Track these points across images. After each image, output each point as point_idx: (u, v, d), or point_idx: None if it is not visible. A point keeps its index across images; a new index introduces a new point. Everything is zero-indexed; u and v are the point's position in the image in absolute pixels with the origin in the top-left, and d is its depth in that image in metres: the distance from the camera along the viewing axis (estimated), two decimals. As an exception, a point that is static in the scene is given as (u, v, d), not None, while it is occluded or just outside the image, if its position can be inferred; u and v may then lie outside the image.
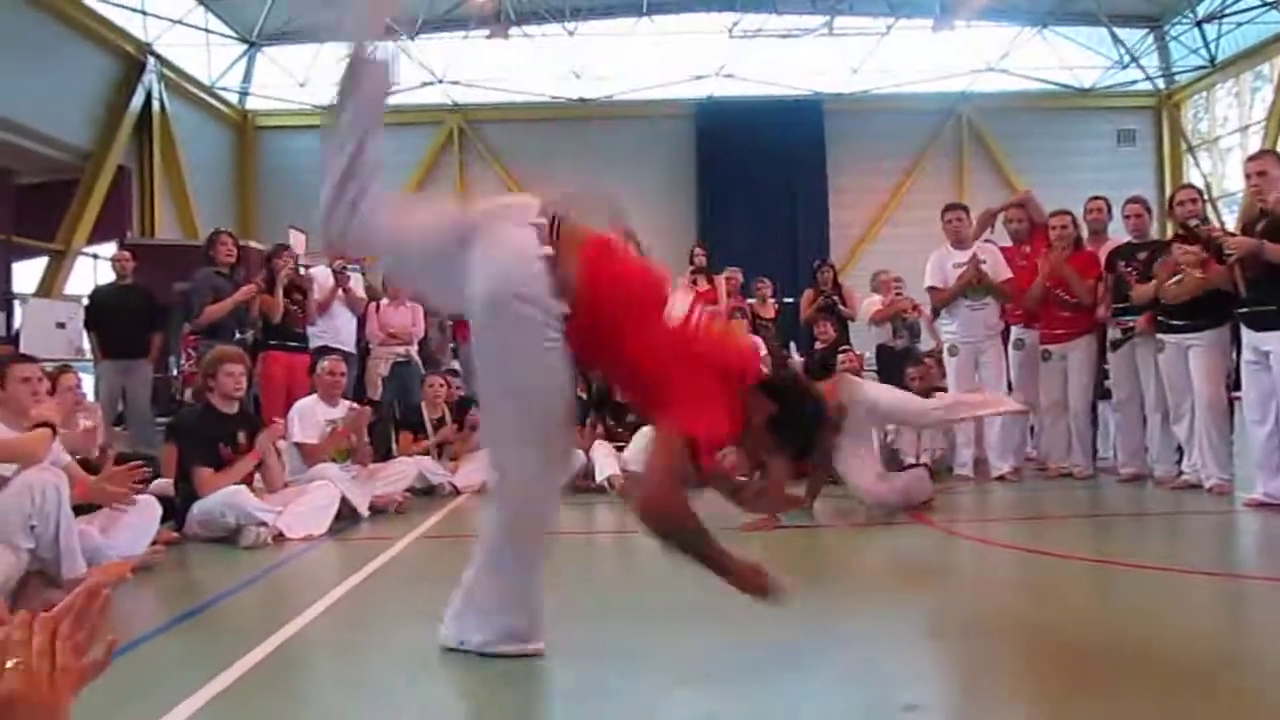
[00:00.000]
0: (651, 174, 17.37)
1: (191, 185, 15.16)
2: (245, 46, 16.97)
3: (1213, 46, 16.52)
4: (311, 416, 6.36)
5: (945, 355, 7.57)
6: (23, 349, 8.39)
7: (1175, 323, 6.22)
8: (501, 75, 17.31)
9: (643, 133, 17.48)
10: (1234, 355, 6.20)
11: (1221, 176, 16.98)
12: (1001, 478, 7.08)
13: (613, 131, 17.33)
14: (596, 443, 7.21)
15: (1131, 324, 6.58)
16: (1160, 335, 6.34)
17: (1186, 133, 17.80)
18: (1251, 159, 5.91)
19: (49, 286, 12.39)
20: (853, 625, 3.30)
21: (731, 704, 2.48)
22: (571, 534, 5.34)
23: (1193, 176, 17.05)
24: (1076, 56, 17.83)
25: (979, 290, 7.29)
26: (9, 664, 1.10)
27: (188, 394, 8.29)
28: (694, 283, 9.40)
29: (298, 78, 17.17)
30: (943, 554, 4.79)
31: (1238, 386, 6.29)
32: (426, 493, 6.90)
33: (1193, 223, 6.11)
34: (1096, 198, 7.53)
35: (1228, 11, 15.91)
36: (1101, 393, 7.29)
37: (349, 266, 8.40)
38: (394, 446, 7.28)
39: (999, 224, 7.96)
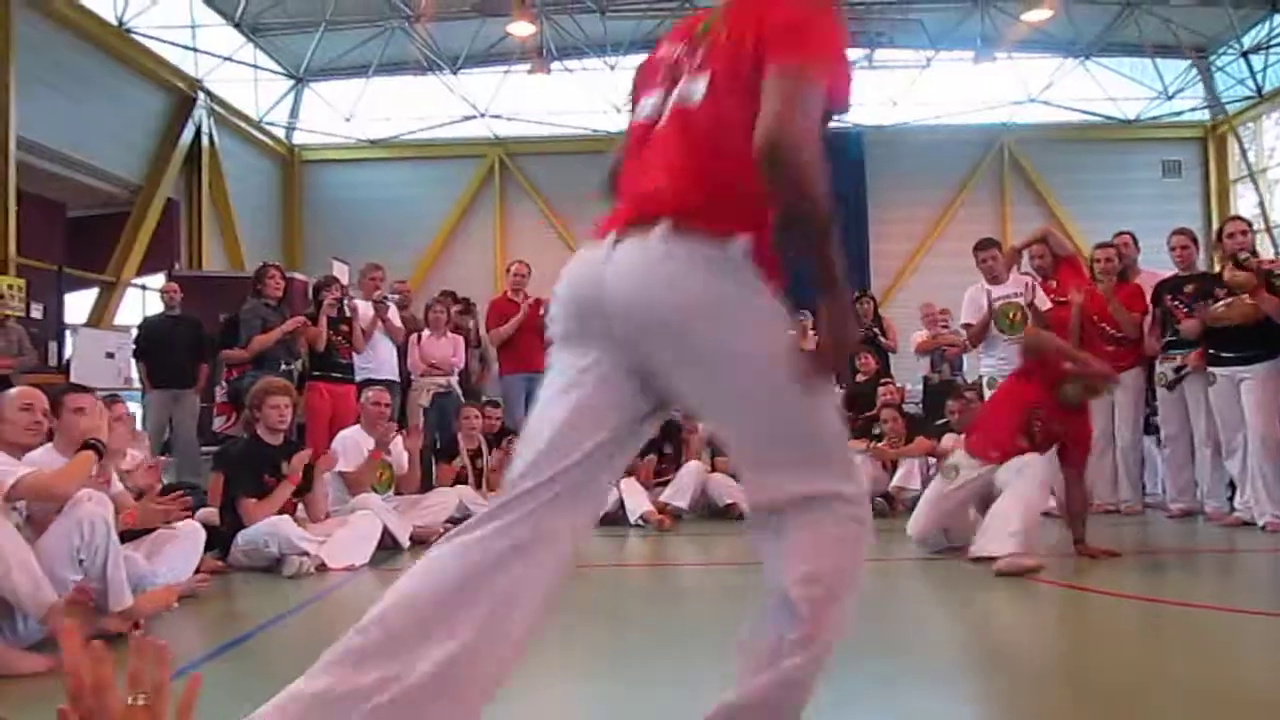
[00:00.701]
0: (691, 206, 17.37)
1: (239, 218, 15.43)
2: (292, 82, 17.29)
3: (1260, 77, 16.32)
4: (355, 447, 6.43)
5: (985, 389, 7.49)
6: (73, 378, 8.56)
7: (1226, 355, 6.12)
8: (542, 109, 17.49)
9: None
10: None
11: (1270, 208, 16.72)
12: (1046, 513, 6.97)
13: (653, 164, 17.42)
14: (626, 480, 7.20)
15: (1183, 363, 6.48)
16: (1211, 368, 6.23)
17: (1234, 164, 17.56)
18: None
19: (99, 317, 12.63)
20: (898, 665, 3.25)
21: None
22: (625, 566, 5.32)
23: (1241, 208, 16.80)
24: (1120, 88, 17.68)
25: (1016, 325, 7.20)
26: (130, 699, 1.13)
27: (217, 423, 8.40)
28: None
29: (343, 112, 17.47)
30: (987, 591, 4.72)
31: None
32: (466, 523, 6.90)
33: (1242, 256, 6.03)
34: (1122, 233, 7.47)
35: (1274, 42, 15.74)
36: (1147, 428, 7.17)
37: (388, 297, 8.50)
38: (434, 477, 7.33)
39: (1024, 261, 7.90)
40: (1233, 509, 6.34)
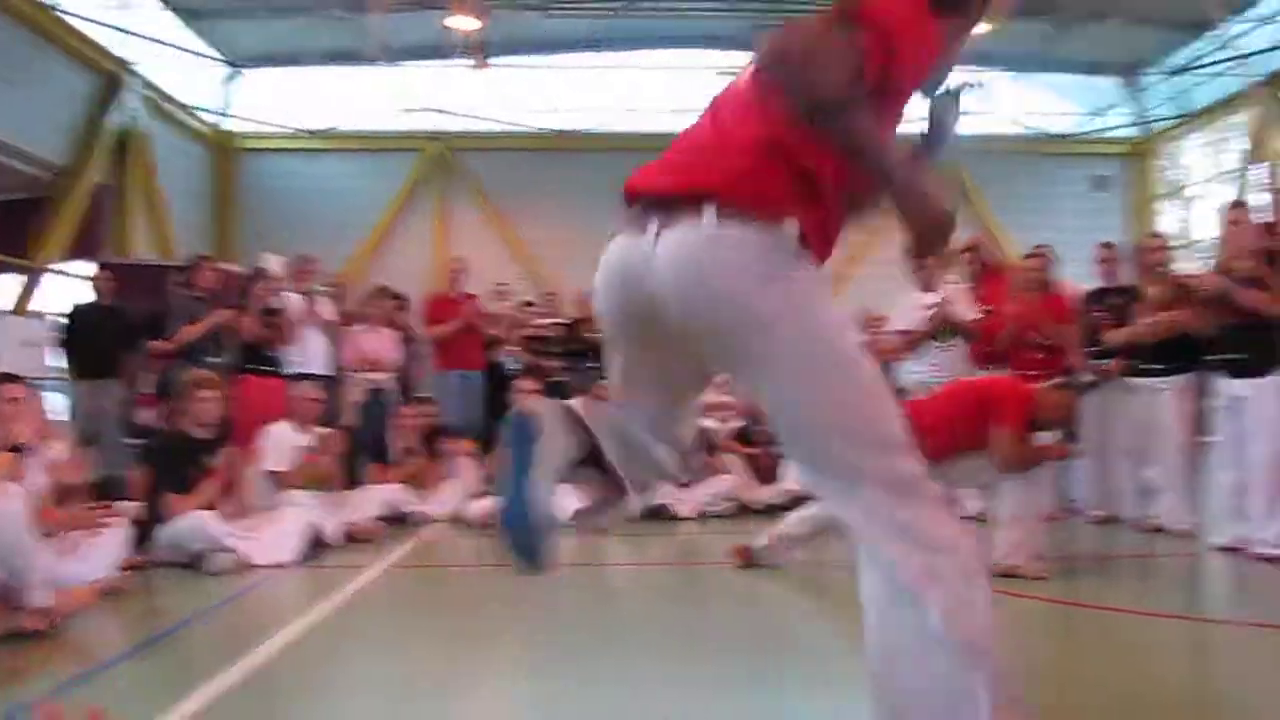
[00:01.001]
0: (631, 207, 17.39)
1: (169, 205, 15.08)
2: (228, 68, 16.96)
3: (1184, 98, 16.86)
4: (283, 443, 6.33)
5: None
6: (-8, 366, 8.30)
7: (1146, 367, 6.30)
8: (484, 105, 17.38)
9: (626, 166, 17.38)
10: (1202, 400, 6.29)
11: (1191, 224, 17.26)
12: (972, 517, 7.09)
13: (594, 165, 17.37)
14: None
15: (1104, 367, 6.66)
16: (1130, 379, 6.41)
17: (1158, 181, 18.09)
18: (1230, 208, 6.12)
19: (20, 304, 12.26)
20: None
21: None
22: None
23: (1164, 224, 17.32)
24: (1052, 104, 18.12)
25: (946, 332, 7.33)
26: None
27: (141, 415, 8.21)
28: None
29: (280, 101, 17.18)
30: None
31: (1208, 431, 6.37)
32: (398, 521, 6.84)
33: (1159, 270, 6.26)
34: (1039, 246, 7.63)
35: (1200, 64, 16.24)
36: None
37: (316, 289, 8.37)
38: (364, 474, 7.24)
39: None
40: (1149, 516, 6.52)
